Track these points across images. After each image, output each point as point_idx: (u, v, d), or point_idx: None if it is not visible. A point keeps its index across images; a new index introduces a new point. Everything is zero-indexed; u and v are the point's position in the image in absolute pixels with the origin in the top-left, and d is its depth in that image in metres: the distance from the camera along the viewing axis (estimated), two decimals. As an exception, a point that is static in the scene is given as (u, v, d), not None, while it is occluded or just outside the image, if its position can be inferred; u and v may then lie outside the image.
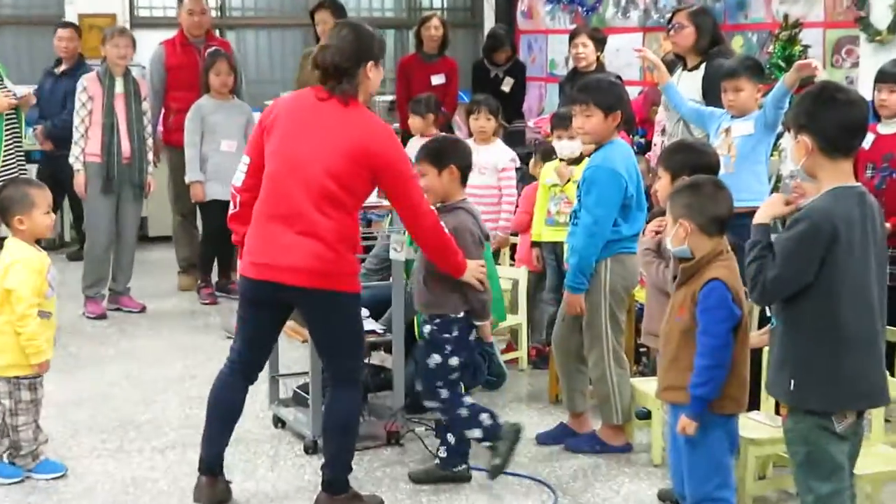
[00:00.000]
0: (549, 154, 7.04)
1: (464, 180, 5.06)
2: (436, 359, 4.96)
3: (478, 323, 4.97)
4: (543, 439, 5.57)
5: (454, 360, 4.97)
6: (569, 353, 5.54)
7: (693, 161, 4.79)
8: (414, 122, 7.86)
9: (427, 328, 4.99)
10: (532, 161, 7.24)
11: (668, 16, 6.96)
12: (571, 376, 5.56)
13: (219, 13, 12.36)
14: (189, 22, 8.72)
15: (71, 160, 7.88)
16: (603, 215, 5.22)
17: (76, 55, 9.59)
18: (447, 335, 4.94)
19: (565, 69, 10.11)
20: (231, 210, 4.76)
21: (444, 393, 4.99)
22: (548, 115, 10.12)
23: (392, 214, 5.66)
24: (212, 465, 4.76)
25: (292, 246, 4.43)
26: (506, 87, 9.60)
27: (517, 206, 7.15)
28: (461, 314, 4.93)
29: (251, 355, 4.77)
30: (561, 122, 6.62)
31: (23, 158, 7.85)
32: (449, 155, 5.01)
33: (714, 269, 4.05)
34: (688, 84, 6.55)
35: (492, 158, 7.29)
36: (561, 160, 6.51)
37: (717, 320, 3.98)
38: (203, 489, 4.75)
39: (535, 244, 6.81)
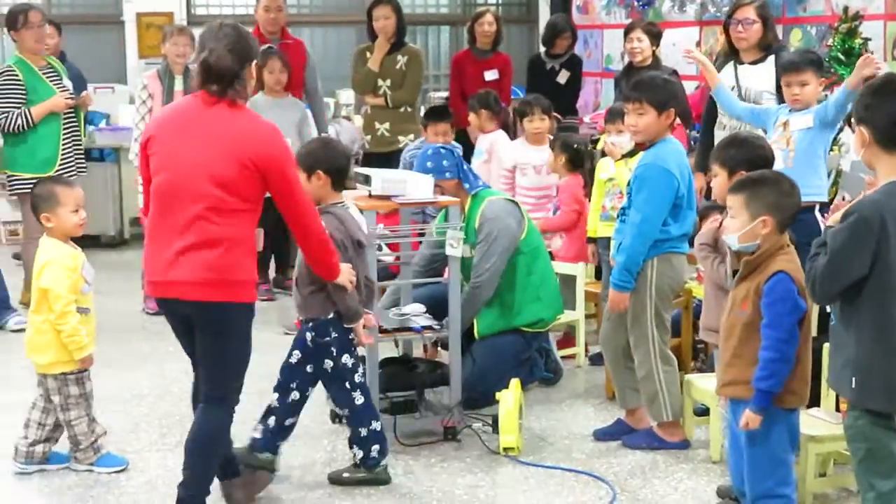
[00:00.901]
0: (567, 146, 7.02)
1: (337, 185, 4.94)
2: (328, 363, 4.91)
3: (347, 325, 4.88)
4: (601, 435, 5.56)
5: (346, 359, 4.90)
6: (616, 351, 5.52)
7: (749, 155, 4.73)
8: (471, 118, 7.90)
9: (309, 336, 4.93)
10: (551, 156, 7.19)
11: (728, 10, 6.83)
12: (621, 373, 5.54)
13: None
14: (265, 18, 8.61)
15: (130, 157, 7.96)
16: (652, 214, 5.19)
17: (58, 52, 9.37)
18: (327, 338, 4.88)
19: (621, 64, 10.07)
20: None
21: (359, 398, 4.93)
22: (603, 110, 10.10)
23: (447, 211, 5.67)
24: (227, 470, 4.72)
25: (184, 260, 4.28)
26: (561, 79, 9.56)
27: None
28: (331, 315, 4.86)
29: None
30: (613, 117, 6.60)
31: (82, 157, 7.97)
32: (317, 160, 4.90)
33: (778, 262, 4.03)
34: (753, 77, 6.43)
35: (547, 158, 7.28)
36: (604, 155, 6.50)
37: (784, 313, 3.96)
38: (234, 490, 4.72)
39: (590, 240, 6.80)
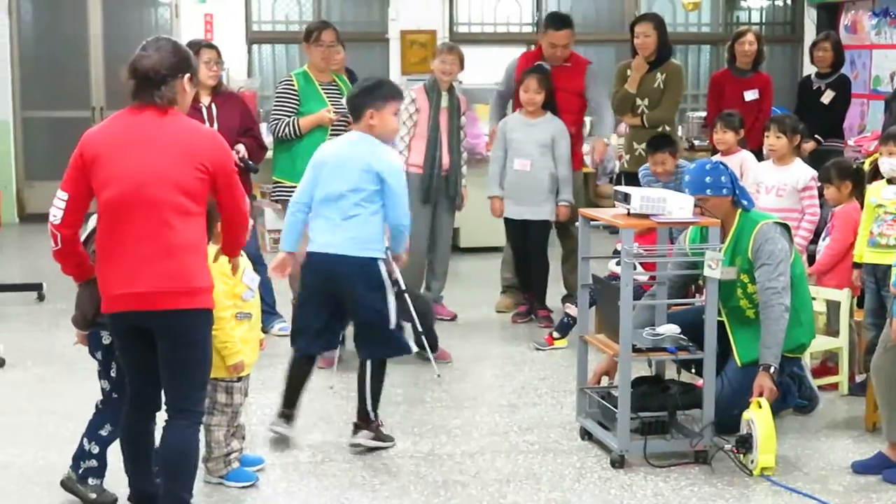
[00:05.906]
0: (846, 171, 6.74)
1: None
2: None
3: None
4: (860, 468, 5.37)
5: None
6: (891, 381, 5.31)
7: None
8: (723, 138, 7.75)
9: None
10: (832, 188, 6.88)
11: None
12: (893, 405, 5.34)
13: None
14: (549, 52, 8.39)
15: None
16: None
17: (343, 69, 8.79)
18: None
19: (890, 86, 9.72)
20: (53, 247, 4.45)
21: None
22: (869, 133, 9.77)
23: (699, 231, 5.58)
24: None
25: (145, 270, 4.25)
26: (825, 99, 9.28)
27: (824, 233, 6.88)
28: None
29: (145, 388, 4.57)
30: (886, 139, 6.37)
31: None
32: None
33: None
34: None
35: (790, 179, 7.09)
36: (889, 181, 6.24)
37: None
38: None
39: (856, 265, 6.57)
